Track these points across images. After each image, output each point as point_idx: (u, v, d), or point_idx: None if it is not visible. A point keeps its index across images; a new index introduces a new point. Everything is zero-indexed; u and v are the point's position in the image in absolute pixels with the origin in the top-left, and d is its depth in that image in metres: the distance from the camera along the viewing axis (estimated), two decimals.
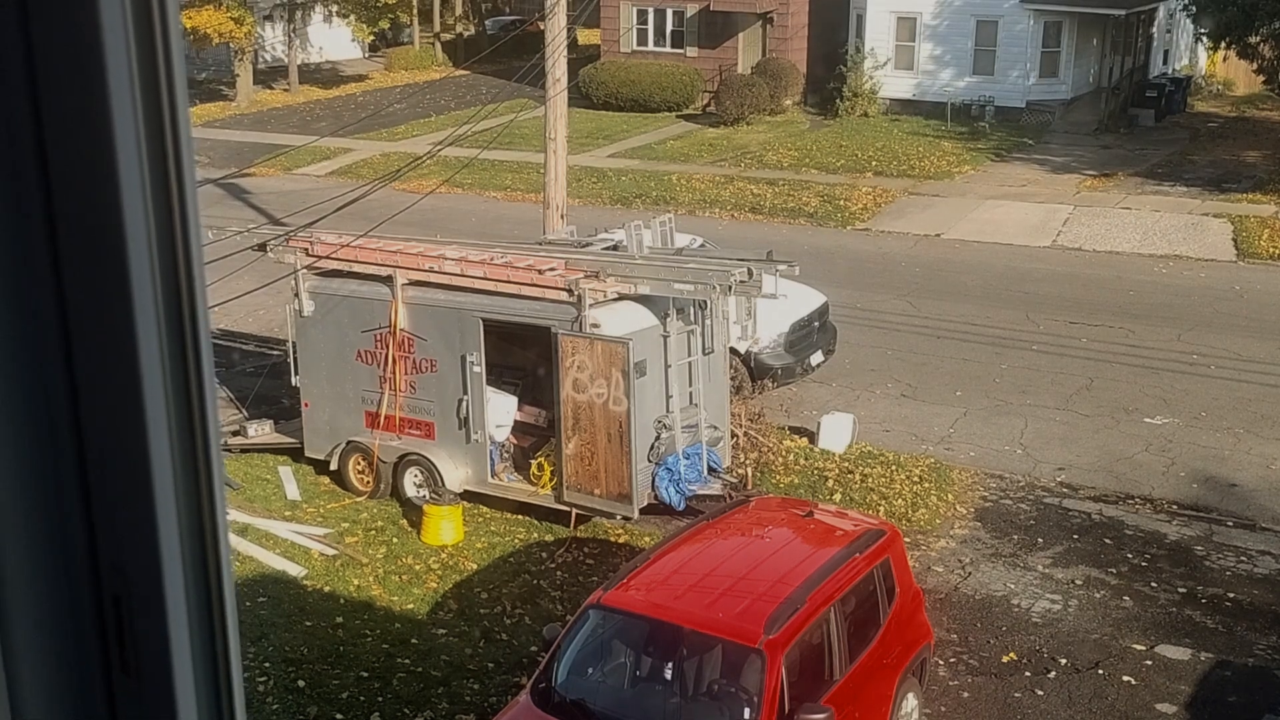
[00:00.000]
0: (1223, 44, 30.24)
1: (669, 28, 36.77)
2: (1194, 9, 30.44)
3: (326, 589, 11.08)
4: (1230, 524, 12.25)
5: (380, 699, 9.36)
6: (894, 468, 13.41)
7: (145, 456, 0.97)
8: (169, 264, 0.98)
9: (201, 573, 1.02)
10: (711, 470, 12.10)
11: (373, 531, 12.24)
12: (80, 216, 0.96)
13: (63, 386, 0.97)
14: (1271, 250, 22.04)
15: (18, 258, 0.96)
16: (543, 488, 12.16)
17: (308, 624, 10.44)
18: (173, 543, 0.99)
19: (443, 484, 12.35)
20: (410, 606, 10.80)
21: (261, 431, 13.90)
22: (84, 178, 0.95)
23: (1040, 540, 11.94)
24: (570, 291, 11.52)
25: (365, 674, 9.68)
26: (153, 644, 1.00)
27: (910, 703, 8.85)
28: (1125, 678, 9.66)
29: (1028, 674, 9.73)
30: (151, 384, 0.97)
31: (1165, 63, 38.64)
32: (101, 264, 0.96)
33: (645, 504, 11.66)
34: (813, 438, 13.97)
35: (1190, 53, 40.53)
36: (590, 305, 11.45)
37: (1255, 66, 30.56)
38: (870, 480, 13.12)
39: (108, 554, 0.99)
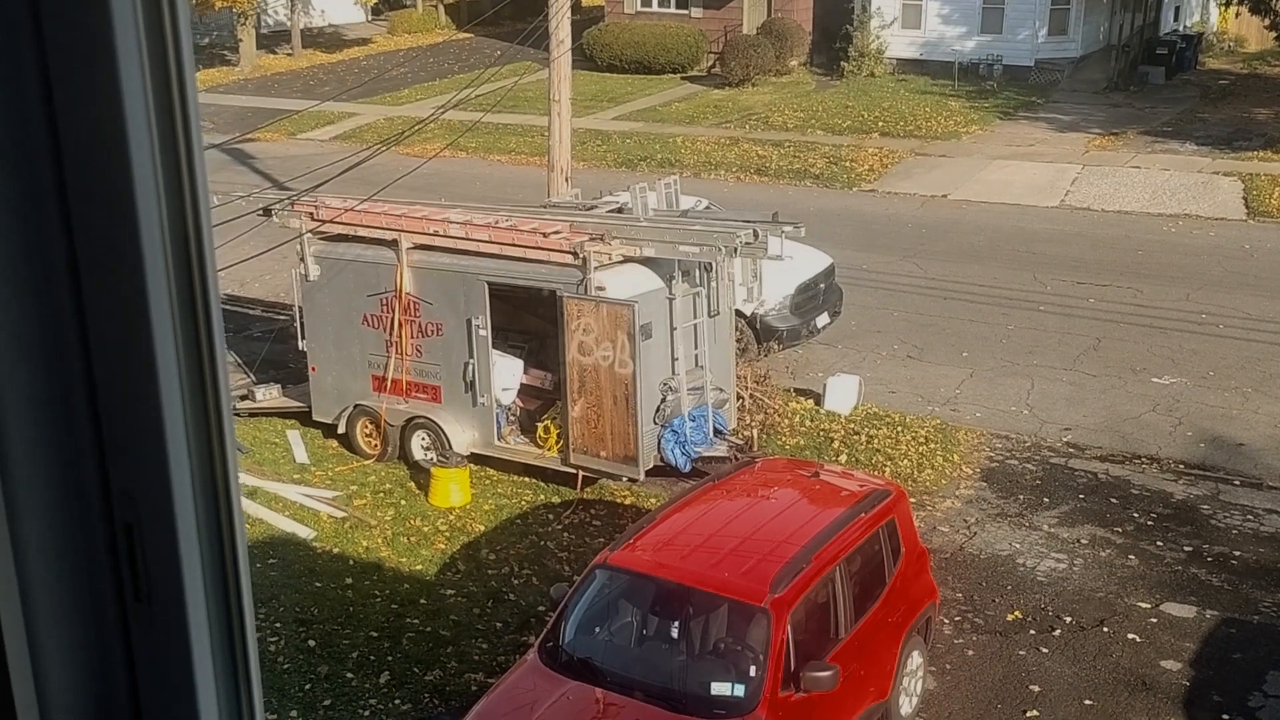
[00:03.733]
0: (1235, 0, 29.89)
1: None
2: None
3: (336, 551, 11.16)
4: (1237, 483, 12.26)
5: (390, 658, 9.45)
6: (900, 429, 13.43)
7: (154, 384, 0.98)
8: (175, 203, 1.00)
9: (211, 499, 1.03)
10: (717, 432, 12.12)
11: (381, 494, 12.31)
12: (90, 168, 0.98)
13: (73, 320, 0.99)
14: None
15: (29, 209, 0.97)
16: (549, 450, 12.20)
17: (317, 585, 10.53)
18: (182, 470, 1.01)
19: (450, 447, 12.40)
20: (419, 567, 10.88)
21: (269, 396, 13.95)
22: (95, 144, 0.97)
23: (1046, 500, 11.97)
24: (575, 254, 11.50)
25: (375, 634, 9.77)
26: (163, 570, 1.02)
27: (915, 661, 8.91)
28: (1130, 636, 9.71)
29: (1033, 632, 9.79)
30: (159, 313, 0.98)
31: (1176, 19, 38.21)
32: (110, 208, 0.98)
33: (651, 466, 11.70)
34: (818, 399, 13.98)
35: (1202, 9, 40.08)
36: (595, 268, 11.43)
37: (1267, 23, 30.23)
38: (876, 441, 13.14)
39: (118, 481, 1.01)
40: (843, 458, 12.71)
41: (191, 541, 1.02)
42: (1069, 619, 9.94)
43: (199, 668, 1.05)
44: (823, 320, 15.60)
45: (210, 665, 1.05)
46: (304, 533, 11.47)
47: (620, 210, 13.19)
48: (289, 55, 40.21)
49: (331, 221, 12.87)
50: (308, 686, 9.14)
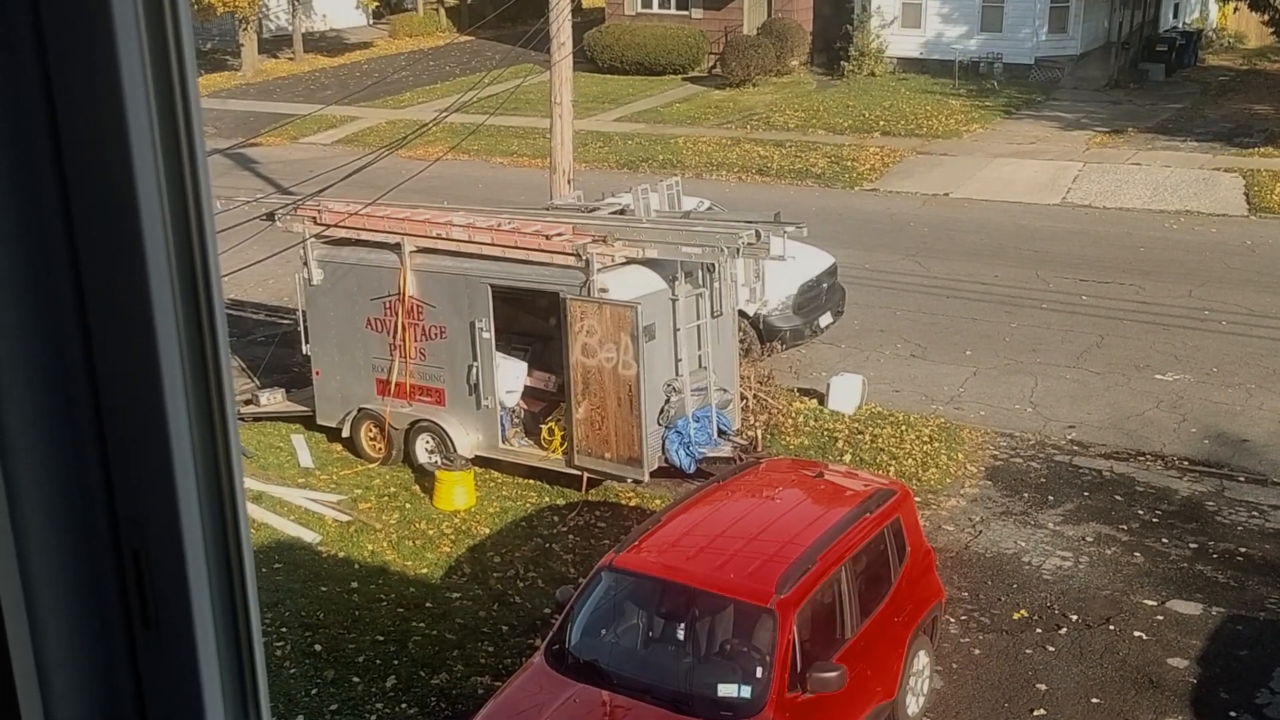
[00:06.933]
0: None
1: None
2: None
3: (341, 555, 11.17)
4: (1242, 479, 12.25)
5: (396, 662, 9.46)
6: (904, 428, 13.42)
7: (161, 411, 0.99)
8: (181, 224, 1.00)
9: (219, 524, 1.03)
10: (721, 433, 12.13)
11: (386, 497, 12.32)
12: (93, 182, 0.98)
13: (78, 345, 0.99)
14: None
15: (33, 227, 0.97)
16: (553, 452, 12.21)
17: (323, 589, 10.54)
18: (190, 496, 1.01)
19: (454, 450, 12.41)
20: (424, 571, 10.89)
21: (273, 400, 13.97)
22: (97, 149, 0.97)
23: (1051, 498, 11.96)
24: (578, 256, 11.50)
25: (381, 637, 9.78)
26: (172, 596, 1.03)
27: (922, 660, 8.91)
28: (1136, 633, 9.71)
29: (1039, 630, 9.79)
30: (166, 339, 0.98)
31: (1176, 16, 38.19)
32: (115, 228, 0.98)
33: (655, 467, 11.70)
34: (822, 399, 13.98)
35: (1201, 6, 40.07)
36: (598, 270, 11.44)
37: (1266, 19, 30.22)
38: (880, 440, 13.14)
39: (126, 508, 1.01)
40: (847, 457, 12.71)
41: (199, 566, 1.02)
42: (1075, 617, 9.93)
43: (207, 692, 1.05)
44: (825, 320, 15.60)
45: (219, 689, 1.06)
46: (309, 537, 11.48)
47: (622, 212, 13.20)
48: (291, 59, 40.24)
49: (335, 226, 12.89)
50: (314, 691, 9.15)
